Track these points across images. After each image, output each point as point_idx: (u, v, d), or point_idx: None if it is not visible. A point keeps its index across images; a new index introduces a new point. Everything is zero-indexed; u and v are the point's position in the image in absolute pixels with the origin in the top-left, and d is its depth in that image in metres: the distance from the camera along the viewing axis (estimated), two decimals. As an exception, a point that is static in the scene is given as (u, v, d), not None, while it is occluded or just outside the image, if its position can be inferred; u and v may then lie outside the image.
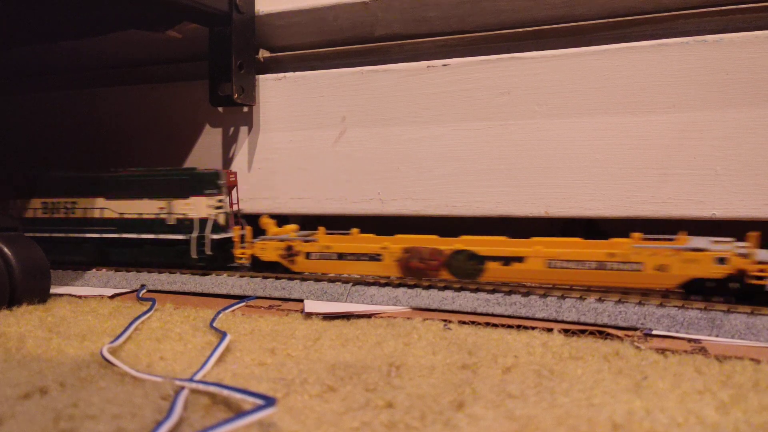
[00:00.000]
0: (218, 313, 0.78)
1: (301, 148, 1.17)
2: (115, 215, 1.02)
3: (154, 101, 1.31)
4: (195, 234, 0.96)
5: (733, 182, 0.90)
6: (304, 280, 0.88)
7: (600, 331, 0.67)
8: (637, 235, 0.77)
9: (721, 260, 0.70)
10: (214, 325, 0.72)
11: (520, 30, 1.02)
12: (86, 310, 0.81)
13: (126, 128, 1.35)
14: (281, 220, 1.22)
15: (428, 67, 1.07)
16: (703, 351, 0.60)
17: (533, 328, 0.69)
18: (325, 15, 1.12)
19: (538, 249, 0.79)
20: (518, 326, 0.70)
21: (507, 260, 0.80)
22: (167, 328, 0.71)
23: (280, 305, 0.84)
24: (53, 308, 0.81)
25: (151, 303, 0.83)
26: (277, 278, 0.90)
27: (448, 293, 0.79)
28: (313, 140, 1.16)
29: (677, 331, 0.67)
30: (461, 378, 0.52)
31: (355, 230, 0.92)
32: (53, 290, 0.87)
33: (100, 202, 1.04)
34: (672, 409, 0.44)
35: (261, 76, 1.19)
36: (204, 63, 1.18)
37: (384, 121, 1.10)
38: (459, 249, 0.82)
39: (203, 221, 0.96)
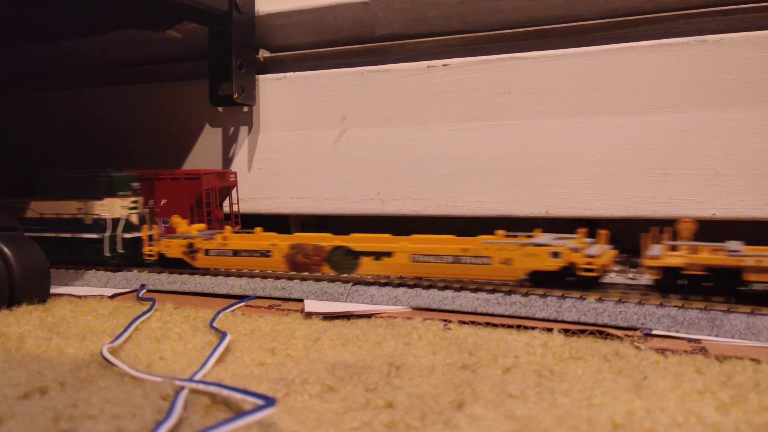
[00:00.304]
0: (218, 313, 0.78)
1: (301, 148, 1.17)
2: (37, 215, 1.08)
3: (154, 101, 1.31)
4: (108, 233, 1.02)
5: (733, 182, 0.90)
6: (303, 280, 0.88)
7: (600, 331, 0.67)
8: (500, 232, 0.83)
9: (556, 254, 0.76)
10: (214, 325, 0.72)
11: (521, 30, 1.02)
12: (86, 310, 0.81)
13: (126, 128, 1.35)
14: (281, 220, 1.22)
15: (428, 67, 1.07)
16: (703, 351, 0.60)
17: (533, 328, 0.69)
18: (325, 15, 1.12)
19: (403, 245, 0.85)
20: (518, 326, 0.70)
21: (378, 255, 0.86)
22: (167, 328, 0.71)
23: (280, 305, 0.84)
24: (53, 308, 0.81)
25: (151, 303, 0.83)
26: (276, 278, 0.90)
27: (448, 293, 0.79)
28: (313, 140, 1.16)
29: (677, 331, 0.67)
30: (461, 378, 0.52)
31: (258, 229, 0.97)
32: (53, 290, 0.87)
33: (30, 202, 1.10)
34: (672, 409, 0.44)
35: (261, 76, 1.19)
36: (204, 63, 1.18)
37: (384, 121, 1.10)
38: (338, 245, 0.87)
39: (116, 221, 1.02)
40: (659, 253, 0.74)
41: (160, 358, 0.60)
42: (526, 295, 0.76)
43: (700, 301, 0.71)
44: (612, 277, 0.85)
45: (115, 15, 1.13)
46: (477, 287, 0.79)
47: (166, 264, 0.98)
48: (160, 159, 1.29)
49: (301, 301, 0.84)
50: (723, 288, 0.71)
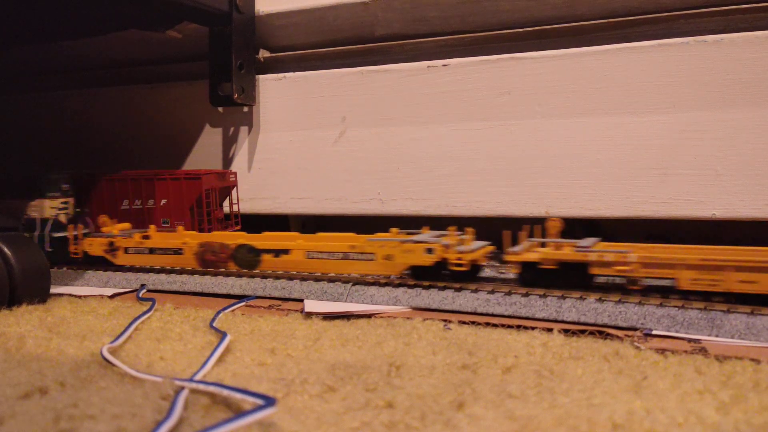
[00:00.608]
0: (218, 313, 0.78)
1: (301, 148, 1.17)
2: None
3: (154, 101, 1.31)
4: (37, 232, 1.07)
5: (733, 182, 0.90)
6: (304, 279, 0.88)
7: (600, 331, 0.67)
8: (394, 230, 0.89)
9: (430, 250, 0.82)
10: (214, 325, 0.72)
11: (521, 30, 1.02)
12: (86, 310, 0.81)
13: (126, 128, 1.35)
14: (281, 220, 1.22)
15: (428, 67, 1.07)
16: (703, 351, 0.60)
17: (533, 328, 0.69)
18: (325, 15, 1.12)
19: (299, 243, 0.91)
20: (518, 326, 0.70)
21: (277, 252, 0.92)
22: (167, 328, 0.71)
23: (280, 305, 0.84)
24: (53, 308, 0.81)
25: (151, 303, 0.83)
26: (276, 278, 0.90)
27: (448, 293, 0.79)
28: (313, 140, 1.16)
29: (677, 331, 0.67)
30: (461, 378, 0.52)
31: (180, 228, 1.03)
32: (53, 290, 0.87)
33: None
34: (672, 409, 0.44)
35: (261, 76, 1.19)
36: (204, 63, 1.18)
37: (384, 121, 1.10)
38: (241, 243, 0.93)
39: (45, 221, 1.07)
40: (518, 250, 0.80)
41: (160, 358, 0.60)
42: (526, 295, 0.76)
43: (699, 301, 0.71)
44: (487, 272, 0.90)
45: (115, 15, 1.13)
46: (477, 287, 0.79)
47: (90, 261, 1.03)
48: (160, 159, 1.29)
49: (301, 301, 0.84)
50: (574, 280, 0.76)
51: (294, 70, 1.17)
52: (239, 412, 0.42)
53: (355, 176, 1.13)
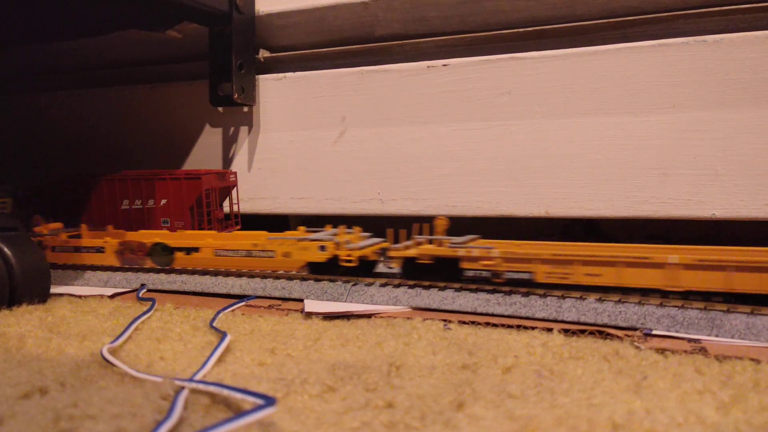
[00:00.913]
0: (218, 312, 0.78)
1: (301, 148, 1.17)
2: None
3: (154, 102, 1.31)
4: None
5: (733, 182, 0.90)
6: (304, 279, 0.88)
7: (600, 331, 0.68)
8: (302, 228, 0.94)
9: (323, 248, 0.88)
10: (214, 324, 0.72)
11: (521, 30, 1.02)
12: (86, 310, 0.81)
13: (126, 128, 1.35)
14: (281, 220, 1.22)
15: (428, 67, 1.07)
16: (703, 351, 0.60)
17: (533, 328, 0.69)
18: (325, 15, 1.12)
19: (208, 241, 0.97)
20: (518, 326, 0.70)
21: (188, 250, 0.98)
22: (167, 328, 0.71)
23: (280, 305, 0.84)
24: (53, 308, 0.81)
25: (151, 303, 0.83)
26: (276, 278, 0.90)
27: (448, 293, 0.79)
28: (313, 140, 1.16)
29: (677, 331, 0.67)
30: (461, 378, 0.52)
31: (109, 227, 1.07)
32: (53, 290, 0.87)
33: None
34: (672, 409, 0.44)
35: (261, 76, 1.19)
36: (204, 63, 1.18)
37: (384, 121, 1.10)
38: (156, 242, 0.99)
39: None
40: (400, 246, 0.86)
41: (160, 358, 0.60)
42: (526, 295, 0.76)
43: (700, 301, 0.71)
44: (380, 268, 0.94)
45: (115, 15, 1.13)
46: (477, 287, 0.79)
47: None
48: (160, 159, 1.29)
49: (301, 300, 0.84)
50: (448, 274, 0.83)
51: (294, 70, 1.17)
52: (239, 412, 0.42)
53: (355, 176, 1.13)
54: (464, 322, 0.72)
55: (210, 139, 1.25)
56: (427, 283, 0.82)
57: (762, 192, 0.89)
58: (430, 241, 0.86)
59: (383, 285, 0.84)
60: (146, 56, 1.33)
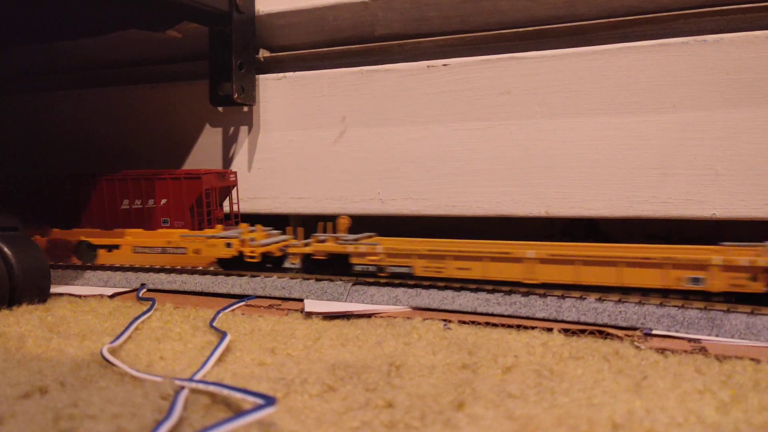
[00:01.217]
0: (218, 312, 0.78)
1: (301, 148, 1.17)
2: None
3: (154, 101, 1.31)
4: None
5: (733, 182, 0.90)
6: (304, 279, 0.88)
7: (600, 331, 0.68)
8: (244, 225, 1.03)
9: (229, 245, 0.95)
10: (214, 324, 0.72)
11: (520, 30, 1.02)
12: (86, 310, 0.81)
13: (126, 128, 1.35)
14: (281, 219, 1.22)
15: (428, 67, 1.07)
16: (703, 351, 0.60)
17: (533, 328, 0.69)
18: (325, 15, 1.12)
19: (127, 239, 1.04)
20: (518, 326, 0.70)
21: (110, 248, 1.04)
22: (167, 328, 0.71)
23: (280, 305, 0.84)
24: (53, 308, 0.81)
25: (151, 303, 0.83)
26: (277, 278, 0.90)
27: (448, 293, 0.79)
28: (313, 140, 1.16)
29: (677, 331, 0.67)
30: (461, 378, 0.52)
31: (47, 227, 1.11)
32: (53, 290, 0.87)
33: None
34: (672, 409, 0.44)
35: (261, 76, 1.19)
36: (204, 63, 1.18)
37: (384, 121, 1.10)
38: (81, 240, 1.06)
39: None
40: (298, 243, 0.93)
41: (160, 357, 0.60)
42: (526, 294, 0.76)
43: (700, 301, 0.71)
44: (288, 264, 1.00)
45: (115, 15, 1.13)
46: (477, 287, 0.79)
47: None
48: (160, 159, 1.29)
49: (301, 300, 0.84)
50: (340, 269, 0.89)
51: (294, 70, 1.17)
52: (239, 412, 0.42)
53: (355, 176, 1.13)
54: (464, 322, 0.72)
55: (210, 139, 1.25)
56: (427, 283, 0.82)
57: (762, 192, 0.89)
58: (336, 239, 0.91)
59: (383, 285, 0.84)
60: (146, 56, 1.33)
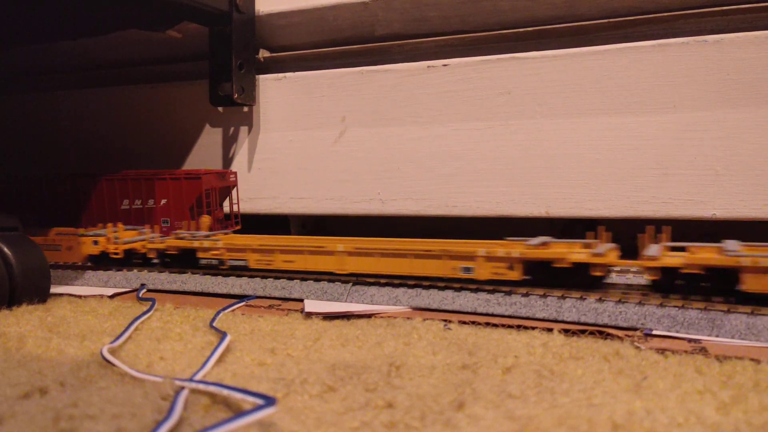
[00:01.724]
0: (218, 312, 0.78)
1: (301, 148, 1.17)
2: None
3: (154, 101, 1.31)
4: None
5: (733, 182, 0.90)
6: (304, 279, 0.88)
7: (600, 331, 0.67)
8: (110, 225, 1.06)
9: (96, 242, 1.02)
10: (214, 324, 0.72)
11: (521, 30, 1.02)
12: (86, 310, 0.81)
13: (126, 128, 1.35)
14: (281, 220, 1.22)
15: (428, 67, 1.07)
16: (703, 351, 0.60)
17: (533, 328, 0.69)
18: (325, 15, 1.12)
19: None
20: (518, 326, 0.70)
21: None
22: (167, 328, 0.71)
23: (280, 305, 0.84)
24: (53, 308, 0.81)
25: (151, 303, 0.83)
26: (276, 278, 0.90)
27: (448, 293, 0.79)
28: (313, 140, 1.16)
29: (677, 331, 0.67)
30: (461, 378, 0.52)
31: None
32: (53, 290, 0.87)
33: None
34: (672, 409, 0.44)
35: (261, 76, 1.19)
36: (204, 63, 1.18)
37: (384, 121, 1.10)
38: None
39: None
40: (156, 240, 1.00)
41: (160, 358, 0.60)
42: (526, 295, 0.76)
43: (700, 301, 0.71)
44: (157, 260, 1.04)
45: (115, 15, 1.13)
46: (477, 287, 0.79)
47: None
48: (160, 159, 1.29)
49: (301, 300, 0.84)
50: (189, 262, 0.97)
51: (294, 70, 1.17)
52: (239, 412, 0.42)
53: (355, 176, 1.13)
54: (464, 322, 0.72)
55: (210, 139, 1.25)
56: (427, 283, 0.82)
57: (762, 192, 0.89)
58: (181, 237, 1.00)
59: (383, 285, 0.84)
60: (146, 56, 1.33)
